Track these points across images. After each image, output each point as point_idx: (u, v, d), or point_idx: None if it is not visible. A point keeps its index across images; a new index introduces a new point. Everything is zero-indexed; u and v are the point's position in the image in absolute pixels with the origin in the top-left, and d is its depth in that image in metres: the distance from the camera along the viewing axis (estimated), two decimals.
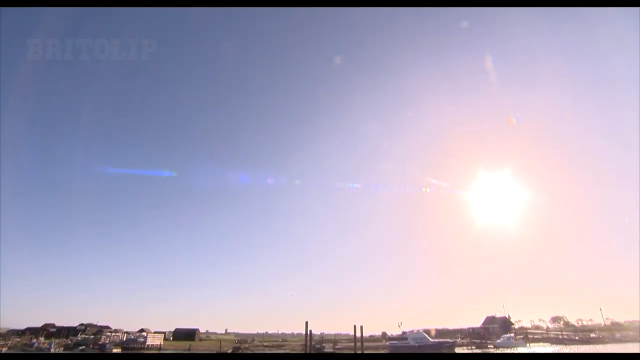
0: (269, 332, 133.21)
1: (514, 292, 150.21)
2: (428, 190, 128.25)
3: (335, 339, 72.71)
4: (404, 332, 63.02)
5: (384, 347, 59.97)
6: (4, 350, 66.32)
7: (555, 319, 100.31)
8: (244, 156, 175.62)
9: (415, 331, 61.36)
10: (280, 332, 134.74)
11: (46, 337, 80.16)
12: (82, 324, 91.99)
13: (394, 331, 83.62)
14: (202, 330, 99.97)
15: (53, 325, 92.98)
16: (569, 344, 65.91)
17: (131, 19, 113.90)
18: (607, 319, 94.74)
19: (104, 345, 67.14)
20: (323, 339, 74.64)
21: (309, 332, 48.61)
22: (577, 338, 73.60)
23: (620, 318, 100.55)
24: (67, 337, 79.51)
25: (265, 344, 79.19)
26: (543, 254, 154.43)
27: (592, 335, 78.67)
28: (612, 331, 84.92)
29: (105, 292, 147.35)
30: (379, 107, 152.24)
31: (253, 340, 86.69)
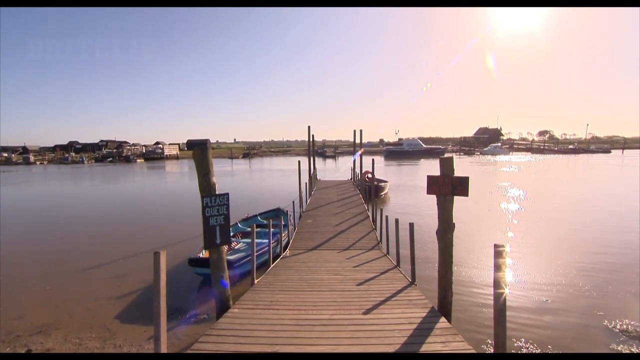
0: (275, 140, 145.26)
1: (512, 107, 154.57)
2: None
3: (336, 144, 78.84)
4: (400, 139, 67.41)
5: (380, 152, 65.34)
6: (45, 163, 71.64)
7: (541, 133, 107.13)
8: None
9: (410, 138, 65.65)
10: (285, 139, 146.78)
11: (75, 152, 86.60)
12: (102, 140, 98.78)
13: (392, 139, 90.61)
14: (212, 141, 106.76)
15: (77, 143, 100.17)
16: (547, 153, 72.25)
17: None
18: (589, 134, 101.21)
19: (127, 156, 71.95)
20: (325, 144, 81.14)
21: (311, 138, 51.32)
22: (555, 149, 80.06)
23: (603, 134, 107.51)
24: (93, 152, 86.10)
25: (272, 149, 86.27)
26: (548, 71, 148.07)
27: (570, 146, 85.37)
28: (589, 144, 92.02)
29: (118, 110, 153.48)
30: None
31: (260, 147, 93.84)
